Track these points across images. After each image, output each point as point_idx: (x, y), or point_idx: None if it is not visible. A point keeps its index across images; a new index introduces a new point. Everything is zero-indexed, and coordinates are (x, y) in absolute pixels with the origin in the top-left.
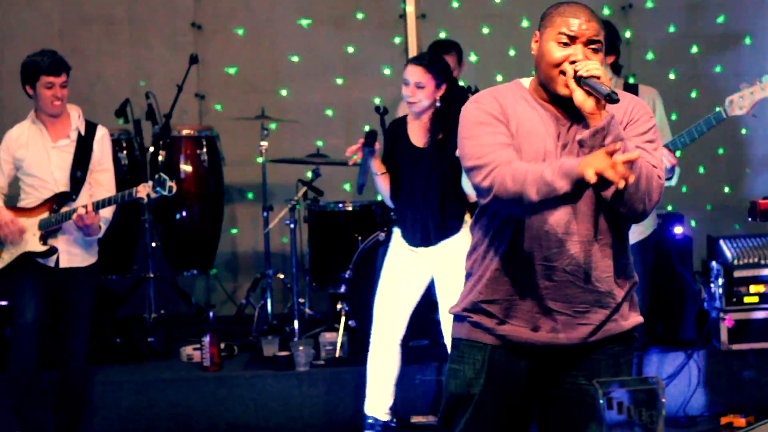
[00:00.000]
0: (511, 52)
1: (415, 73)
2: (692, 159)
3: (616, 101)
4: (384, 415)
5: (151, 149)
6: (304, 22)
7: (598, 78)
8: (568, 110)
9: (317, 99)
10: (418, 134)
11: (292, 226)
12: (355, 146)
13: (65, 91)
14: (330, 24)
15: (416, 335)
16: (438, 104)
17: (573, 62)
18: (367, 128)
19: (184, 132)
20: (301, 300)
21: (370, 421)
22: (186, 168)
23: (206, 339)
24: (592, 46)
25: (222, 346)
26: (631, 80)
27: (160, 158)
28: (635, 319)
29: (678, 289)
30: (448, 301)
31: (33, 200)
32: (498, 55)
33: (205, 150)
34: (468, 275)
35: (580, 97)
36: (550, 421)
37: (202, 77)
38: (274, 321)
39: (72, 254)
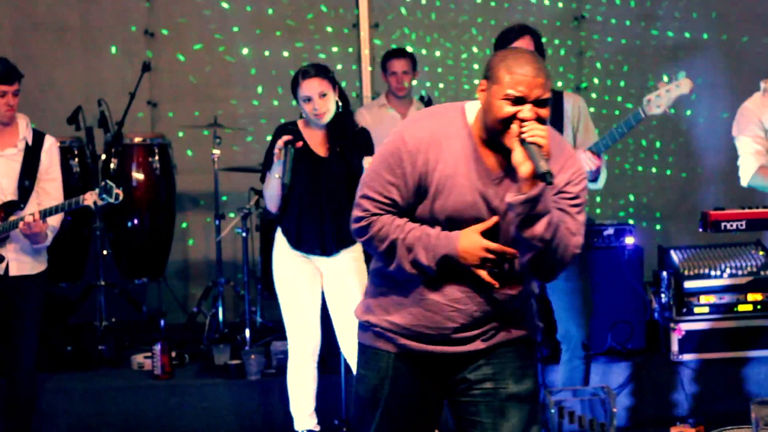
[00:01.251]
0: (463, 60)
1: (314, 85)
2: (643, 169)
3: (549, 184)
4: (315, 425)
5: (103, 157)
6: (258, 30)
7: (541, 147)
8: (505, 157)
9: (270, 107)
10: (317, 142)
11: (244, 234)
12: (281, 142)
13: (17, 99)
14: (284, 32)
15: None
16: (340, 108)
17: (521, 120)
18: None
19: (136, 140)
20: (252, 308)
21: None
22: (138, 176)
23: (157, 347)
24: (540, 104)
25: (173, 354)
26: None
27: (112, 166)
28: (529, 327)
29: (629, 299)
30: (342, 310)
31: None
32: (451, 63)
33: (157, 158)
34: (373, 287)
35: (519, 157)
36: (462, 422)
37: (155, 85)
38: (225, 329)
39: (21, 262)
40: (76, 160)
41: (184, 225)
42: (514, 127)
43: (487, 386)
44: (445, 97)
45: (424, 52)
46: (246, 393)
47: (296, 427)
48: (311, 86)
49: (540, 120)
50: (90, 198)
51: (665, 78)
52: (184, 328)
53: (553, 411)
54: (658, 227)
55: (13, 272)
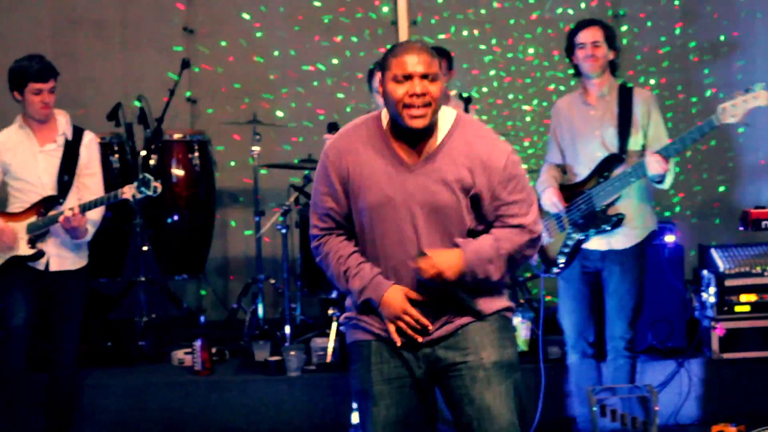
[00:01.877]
0: (501, 56)
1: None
2: (685, 168)
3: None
4: None
5: (143, 153)
6: (296, 26)
7: (442, 275)
8: (417, 142)
9: (309, 104)
10: None
11: (283, 231)
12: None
13: (53, 96)
14: (322, 30)
15: None
16: None
17: (413, 95)
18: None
19: (176, 136)
20: (292, 305)
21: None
22: (178, 172)
23: (197, 343)
24: (429, 78)
25: (213, 350)
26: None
27: (151, 162)
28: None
29: (669, 298)
30: None
31: (21, 205)
32: (490, 60)
33: (196, 154)
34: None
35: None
36: (453, 400)
37: (194, 81)
38: (265, 326)
39: (62, 258)
40: (116, 156)
41: (233, 223)
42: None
43: (470, 359)
44: (484, 94)
45: (462, 48)
46: (286, 389)
47: (353, 420)
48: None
49: (428, 103)
50: (129, 191)
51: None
52: (224, 325)
53: (595, 409)
54: (698, 225)
55: (53, 267)
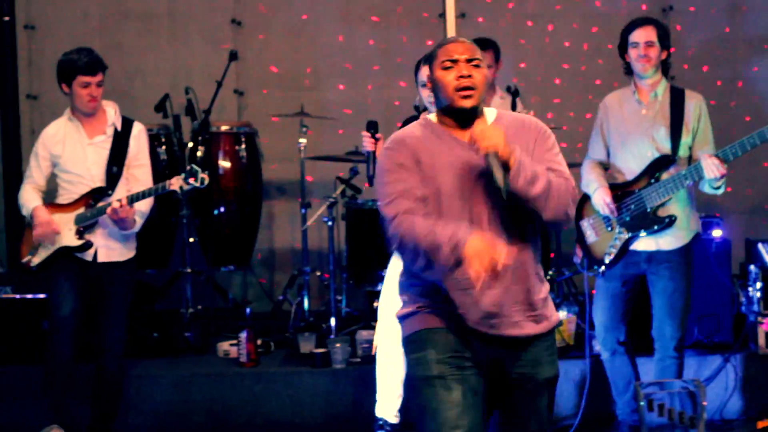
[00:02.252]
0: (550, 51)
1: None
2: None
3: (505, 197)
4: (393, 417)
5: (190, 145)
6: (344, 19)
7: (498, 153)
8: (468, 125)
9: (356, 97)
10: None
11: (329, 223)
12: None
13: (100, 90)
14: (370, 22)
15: None
16: None
17: (460, 77)
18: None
19: (223, 128)
20: (338, 297)
21: (380, 422)
22: (224, 164)
23: (243, 335)
24: (473, 63)
25: (259, 342)
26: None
27: (198, 154)
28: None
29: (716, 293)
30: None
31: (70, 196)
32: (537, 54)
33: (243, 146)
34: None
35: (494, 164)
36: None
37: (241, 73)
38: (310, 318)
39: (110, 248)
40: (164, 147)
41: (269, 213)
42: (483, 143)
43: (525, 371)
44: (531, 87)
45: (509, 41)
46: (331, 381)
47: (378, 413)
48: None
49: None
50: (176, 183)
51: None
52: (269, 316)
53: (642, 404)
54: (746, 220)
55: (101, 258)
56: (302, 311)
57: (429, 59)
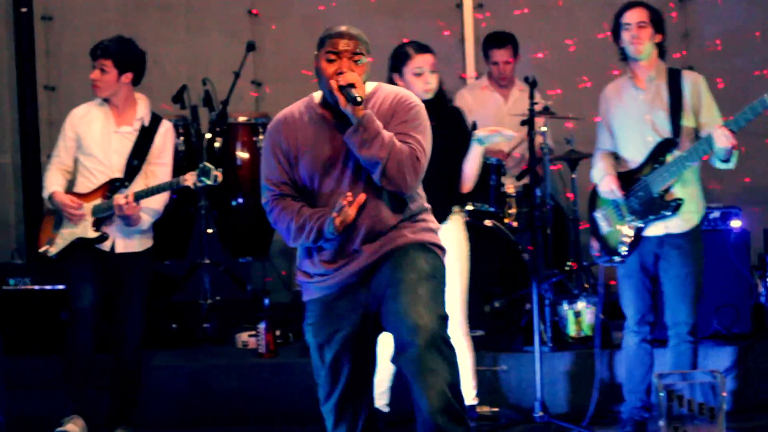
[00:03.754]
0: (568, 42)
1: (428, 60)
2: (751, 151)
3: (359, 104)
4: (383, 407)
5: (208, 136)
6: (360, 9)
7: (354, 86)
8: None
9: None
10: None
11: None
12: None
13: (104, 76)
14: (386, 13)
15: (471, 325)
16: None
17: (339, 74)
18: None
19: (241, 119)
20: None
21: None
22: (242, 155)
23: (262, 326)
24: (355, 59)
25: (277, 333)
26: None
27: (216, 145)
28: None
29: (734, 283)
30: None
31: (88, 185)
32: (555, 45)
33: (261, 137)
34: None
35: (343, 101)
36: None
37: (259, 64)
38: None
39: (127, 239)
40: (181, 138)
41: None
42: (332, 82)
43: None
44: (549, 77)
45: (527, 31)
46: None
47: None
48: (426, 60)
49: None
50: (190, 179)
51: None
52: (288, 307)
53: (662, 395)
54: (765, 210)
55: (119, 249)
56: None
57: (318, 45)
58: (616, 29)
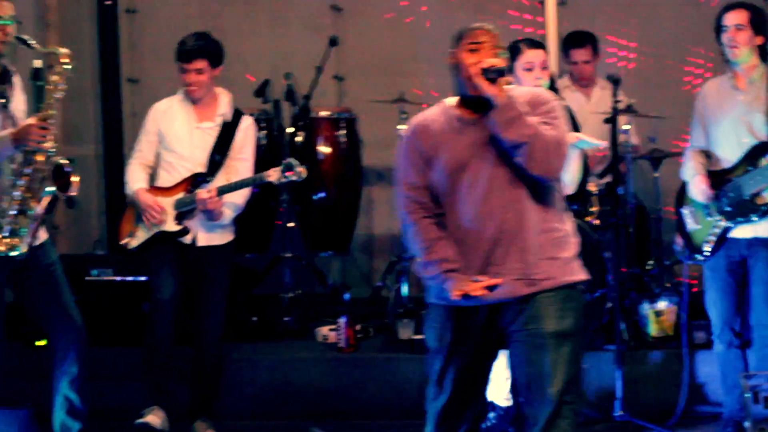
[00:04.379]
0: (652, 40)
1: (539, 56)
2: None
3: (503, 74)
4: (504, 401)
5: (290, 130)
6: (444, 4)
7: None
8: (484, 112)
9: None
10: None
11: None
12: None
13: (201, 77)
14: (470, 8)
15: None
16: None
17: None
18: None
19: (323, 113)
20: None
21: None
22: (324, 149)
23: (342, 320)
24: (496, 51)
25: (357, 327)
26: None
27: (298, 139)
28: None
29: None
30: None
31: (170, 179)
32: (638, 41)
33: (343, 132)
34: None
35: (485, 85)
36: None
37: (341, 59)
38: (409, 304)
39: (209, 232)
40: (264, 133)
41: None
42: (473, 69)
43: (530, 327)
44: (634, 76)
45: (609, 29)
46: None
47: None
48: (537, 56)
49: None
50: (274, 175)
51: None
52: (368, 302)
53: (748, 395)
54: None
55: (201, 243)
56: (401, 297)
57: (456, 40)
58: (717, 30)
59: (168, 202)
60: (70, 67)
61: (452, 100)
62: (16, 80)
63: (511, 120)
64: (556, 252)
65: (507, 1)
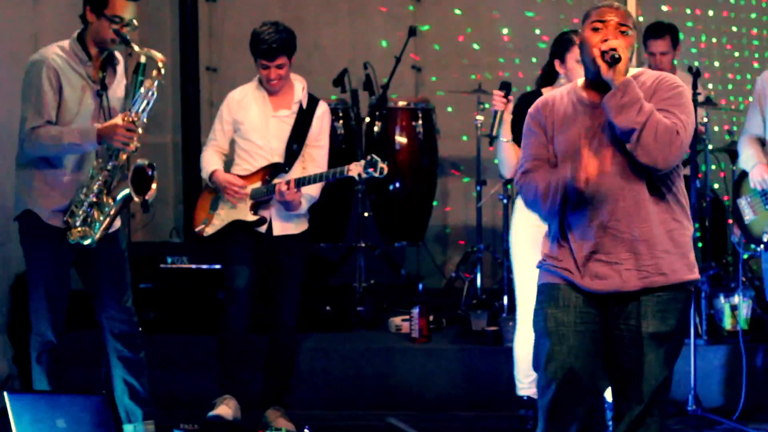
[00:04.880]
0: (728, 31)
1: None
2: None
3: (618, 61)
4: (534, 393)
5: (367, 120)
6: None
7: (616, 51)
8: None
9: (533, 75)
10: None
11: (504, 201)
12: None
13: (281, 71)
14: (548, 0)
15: None
16: None
17: (605, 41)
18: None
19: (400, 104)
20: (510, 275)
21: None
22: (401, 140)
23: (416, 311)
24: (621, 29)
25: (431, 318)
26: None
27: (375, 129)
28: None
29: None
30: None
31: (247, 168)
32: (718, 33)
33: (420, 122)
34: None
35: (605, 68)
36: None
37: (420, 49)
38: (483, 295)
39: (285, 221)
40: (341, 122)
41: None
42: (595, 50)
43: (631, 323)
44: (711, 67)
45: (688, 21)
46: (502, 360)
47: (519, 392)
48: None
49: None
50: (355, 169)
51: None
52: (441, 293)
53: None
54: None
55: (276, 232)
56: (475, 288)
57: (583, 19)
58: None
59: (244, 191)
60: (163, 73)
61: (582, 81)
62: (120, 69)
63: (623, 105)
64: (671, 246)
65: None
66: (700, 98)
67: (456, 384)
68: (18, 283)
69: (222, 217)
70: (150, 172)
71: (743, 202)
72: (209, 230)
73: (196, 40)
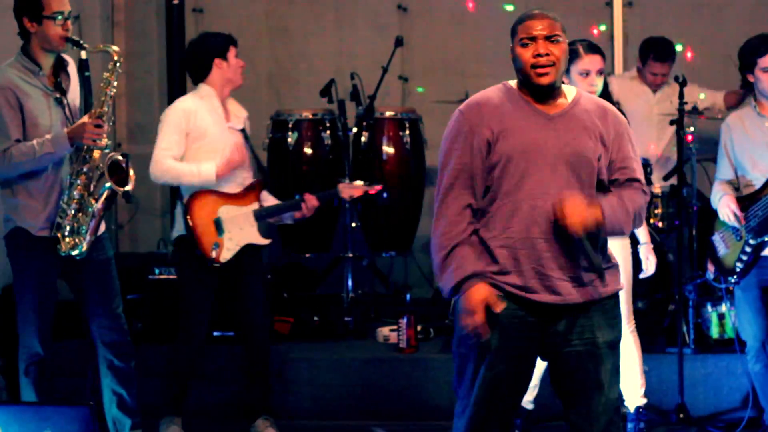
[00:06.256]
0: (721, 42)
1: (597, 61)
2: None
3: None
4: (528, 404)
5: (354, 130)
6: (509, 7)
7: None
8: (547, 101)
9: None
10: None
11: None
12: None
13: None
14: (537, 8)
15: None
16: None
17: (537, 56)
18: None
19: (388, 114)
20: None
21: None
22: (388, 150)
23: (403, 321)
24: (552, 39)
25: (419, 328)
26: None
27: (362, 139)
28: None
29: None
30: None
31: (229, 186)
32: (706, 43)
33: (407, 132)
34: None
35: (578, 231)
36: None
37: (407, 60)
38: None
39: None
40: (328, 132)
41: (432, 200)
42: (529, 68)
43: (587, 336)
44: (701, 78)
45: (679, 31)
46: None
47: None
48: (594, 62)
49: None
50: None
51: None
52: (429, 303)
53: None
54: None
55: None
56: None
57: (510, 34)
58: (750, 66)
59: (245, 212)
60: (121, 63)
61: (513, 82)
62: (72, 70)
63: (612, 232)
64: (609, 259)
65: (574, 2)
66: (687, 107)
67: (444, 394)
68: (5, 295)
69: (235, 242)
70: (124, 164)
71: (717, 238)
72: (226, 255)
73: (183, 50)
